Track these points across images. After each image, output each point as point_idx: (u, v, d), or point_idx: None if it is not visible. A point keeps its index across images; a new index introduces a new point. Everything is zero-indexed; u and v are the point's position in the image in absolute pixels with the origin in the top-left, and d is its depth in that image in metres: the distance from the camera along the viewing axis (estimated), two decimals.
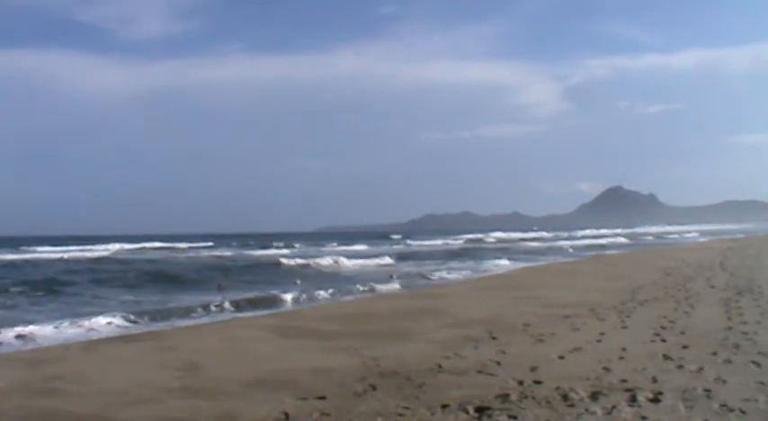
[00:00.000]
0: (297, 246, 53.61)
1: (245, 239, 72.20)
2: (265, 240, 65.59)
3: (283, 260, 29.53)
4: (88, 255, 41.12)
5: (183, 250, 51.04)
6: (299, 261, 29.15)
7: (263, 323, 11.21)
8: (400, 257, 32.96)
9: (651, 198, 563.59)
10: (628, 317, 10.54)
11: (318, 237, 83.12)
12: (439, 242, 60.92)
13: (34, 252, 45.98)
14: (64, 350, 9.13)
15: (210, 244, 59.52)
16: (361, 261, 29.71)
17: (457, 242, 61.76)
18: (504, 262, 29.14)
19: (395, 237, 78.11)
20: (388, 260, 30.35)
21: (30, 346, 9.65)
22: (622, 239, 61.00)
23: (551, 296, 13.94)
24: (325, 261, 28.75)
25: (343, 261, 29.02)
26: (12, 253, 44.35)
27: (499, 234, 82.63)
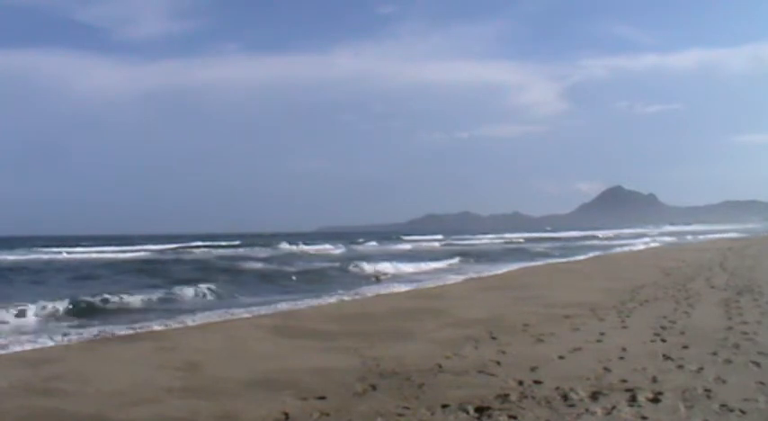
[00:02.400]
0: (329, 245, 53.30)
1: (253, 239, 71.73)
2: (275, 240, 65.13)
3: (338, 264, 26.86)
4: (137, 255, 41.97)
5: (216, 249, 51.20)
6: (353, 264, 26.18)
7: (263, 323, 11.22)
8: (466, 258, 31.69)
9: (651, 198, 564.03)
10: (628, 317, 10.54)
11: (320, 238, 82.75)
12: (473, 242, 59.86)
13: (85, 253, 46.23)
14: (64, 350, 9.14)
15: (237, 242, 59.93)
16: (424, 264, 27.02)
17: (482, 242, 60.84)
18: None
19: (435, 237, 76.59)
20: (454, 261, 29.45)
21: None
22: (667, 238, 61.12)
23: (551, 296, 13.94)
24: (387, 266, 25.30)
25: (407, 265, 26.28)
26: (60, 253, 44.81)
27: (523, 234, 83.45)
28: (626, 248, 41.23)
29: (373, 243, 58.44)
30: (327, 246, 50.72)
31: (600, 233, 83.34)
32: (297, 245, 53.01)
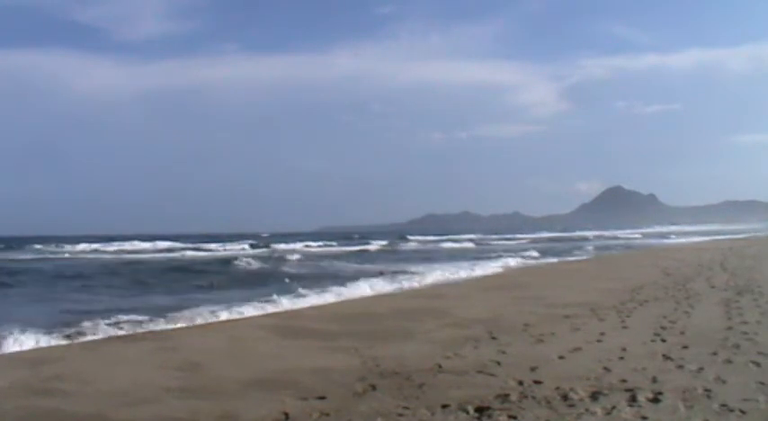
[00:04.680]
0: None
1: (267, 240, 70.91)
2: (288, 240, 64.31)
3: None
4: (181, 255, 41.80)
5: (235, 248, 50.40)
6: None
7: (264, 323, 11.21)
8: (528, 255, 32.63)
9: (651, 198, 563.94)
10: (628, 317, 10.54)
11: (321, 237, 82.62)
12: (504, 243, 59.58)
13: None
14: (64, 350, 9.14)
15: (255, 242, 59.60)
16: (493, 264, 26.41)
17: (515, 242, 60.34)
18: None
19: (466, 236, 76.10)
20: (526, 256, 30.46)
21: None
22: (696, 237, 61.63)
23: (551, 296, 13.94)
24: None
25: (490, 264, 25.81)
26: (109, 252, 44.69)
27: (541, 234, 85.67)
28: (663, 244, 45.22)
29: (413, 244, 58.05)
30: (371, 246, 50.85)
31: (617, 233, 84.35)
32: (331, 245, 52.86)
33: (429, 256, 35.06)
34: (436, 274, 20.88)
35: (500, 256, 31.01)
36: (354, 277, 19.72)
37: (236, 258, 32.30)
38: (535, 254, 33.02)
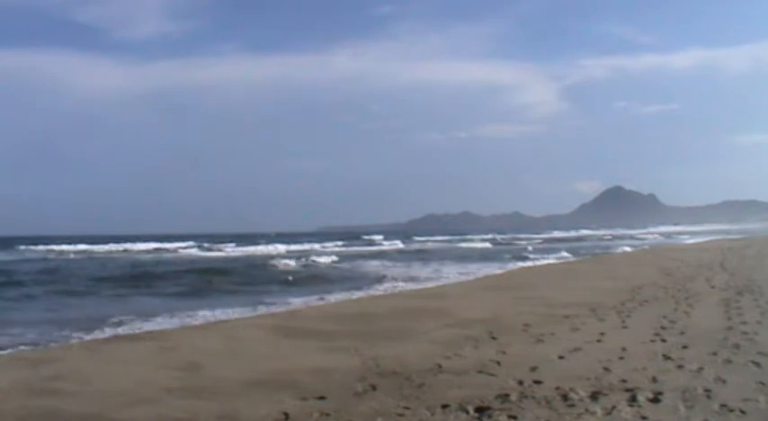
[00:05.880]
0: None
1: (274, 240, 70.61)
2: (290, 240, 63.78)
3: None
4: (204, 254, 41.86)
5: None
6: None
7: (263, 323, 11.22)
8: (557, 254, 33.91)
9: (651, 198, 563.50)
10: (628, 317, 10.54)
11: (323, 238, 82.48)
12: (520, 243, 59.67)
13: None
14: (64, 350, 9.14)
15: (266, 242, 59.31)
16: (529, 263, 27.53)
17: (530, 242, 60.30)
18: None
19: (482, 236, 76.86)
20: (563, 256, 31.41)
21: None
22: (705, 237, 62.01)
23: (551, 296, 13.94)
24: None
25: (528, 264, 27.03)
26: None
27: (551, 234, 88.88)
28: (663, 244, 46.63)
29: (431, 244, 58.02)
30: (386, 247, 50.96)
31: (628, 232, 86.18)
32: (337, 244, 52.73)
33: (452, 257, 35.21)
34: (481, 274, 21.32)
35: (535, 257, 31.72)
36: (401, 277, 20.25)
37: (270, 258, 32.42)
38: (565, 254, 33.39)
